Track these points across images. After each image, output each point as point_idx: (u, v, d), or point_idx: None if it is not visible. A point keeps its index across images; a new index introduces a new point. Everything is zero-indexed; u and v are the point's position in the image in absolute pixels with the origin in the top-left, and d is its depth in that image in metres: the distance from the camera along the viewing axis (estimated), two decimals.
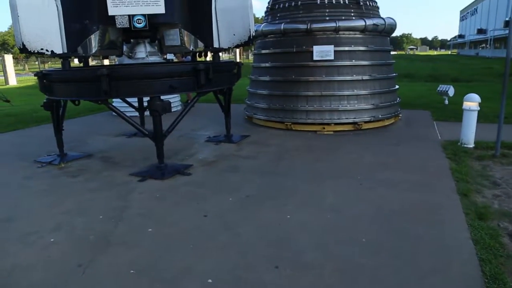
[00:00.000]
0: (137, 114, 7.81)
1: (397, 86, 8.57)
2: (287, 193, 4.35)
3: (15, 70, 28.51)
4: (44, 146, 6.85)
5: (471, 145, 6.23)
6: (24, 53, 5.49)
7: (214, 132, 7.69)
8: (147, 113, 6.02)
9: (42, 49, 5.26)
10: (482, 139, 6.32)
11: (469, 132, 6.24)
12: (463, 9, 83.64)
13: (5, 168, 5.71)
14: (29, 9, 5.06)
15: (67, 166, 5.75)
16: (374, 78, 7.73)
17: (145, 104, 6.78)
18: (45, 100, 6.03)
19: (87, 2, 5.55)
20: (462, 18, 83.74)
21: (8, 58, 25.93)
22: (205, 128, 8.22)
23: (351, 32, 7.57)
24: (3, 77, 25.71)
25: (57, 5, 5.34)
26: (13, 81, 25.17)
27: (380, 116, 7.77)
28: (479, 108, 6.30)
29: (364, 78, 7.59)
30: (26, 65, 49.14)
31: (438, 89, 11.14)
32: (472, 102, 6.24)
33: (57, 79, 5.47)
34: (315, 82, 7.51)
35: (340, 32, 7.48)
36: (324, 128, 7.52)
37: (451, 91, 10.70)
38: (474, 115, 6.22)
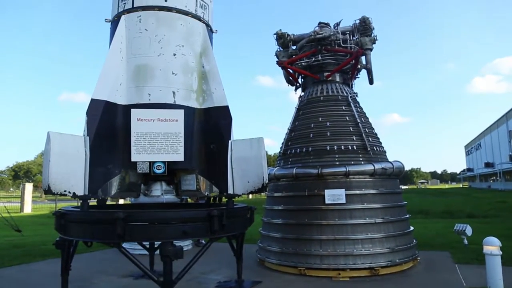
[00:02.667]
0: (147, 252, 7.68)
1: (412, 228, 8.45)
2: None
3: (32, 197, 29.32)
4: (45, 286, 6.61)
5: None
6: (48, 194, 5.71)
7: (225, 277, 7.40)
8: (157, 251, 5.92)
9: (65, 191, 5.45)
10: None
11: (496, 278, 5.87)
12: (467, 145, 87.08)
13: None
14: (60, 155, 5.39)
15: None
16: (387, 220, 7.69)
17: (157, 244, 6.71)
18: (57, 239, 6.03)
19: (113, 149, 5.98)
20: (467, 153, 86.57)
21: (29, 187, 26.97)
22: (215, 272, 7.93)
23: (361, 176, 7.83)
24: (19, 204, 26.31)
25: (86, 152, 5.71)
26: (28, 209, 25.69)
27: (397, 260, 7.49)
28: (501, 253, 6.04)
29: (377, 221, 7.56)
30: (44, 194, 50.70)
31: (455, 228, 10.91)
32: (492, 246, 6.02)
33: (74, 220, 5.55)
34: (328, 225, 7.49)
35: (350, 176, 7.75)
36: (339, 274, 7.20)
37: (469, 231, 10.45)
38: (498, 260, 5.93)
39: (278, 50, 9.95)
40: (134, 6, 6.30)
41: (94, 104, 5.80)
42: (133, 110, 5.80)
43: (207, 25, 6.65)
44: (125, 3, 6.43)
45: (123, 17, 6.31)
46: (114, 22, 6.51)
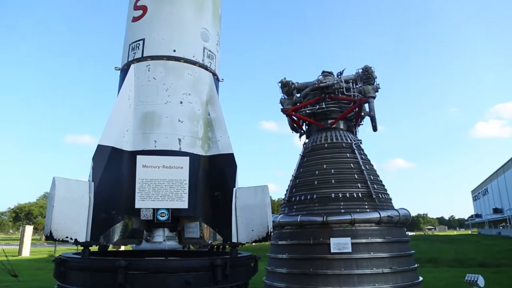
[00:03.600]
0: None
1: (421, 278, 8.18)
2: None
3: (32, 240, 28.90)
4: None
5: None
6: (49, 240, 5.63)
7: None
8: None
9: (67, 237, 5.37)
10: None
11: None
12: (474, 190, 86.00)
13: None
14: (65, 201, 5.37)
15: None
16: (395, 270, 7.47)
17: None
18: (55, 287, 5.87)
19: (117, 195, 5.96)
20: (475, 198, 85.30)
21: (29, 229, 26.66)
22: None
23: (367, 224, 7.70)
24: (18, 247, 25.89)
25: (90, 197, 5.69)
26: (26, 252, 25.24)
27: None
28: None
29: (384, 271, 7.35)
30: (43, 236, 50.01)
31: (466, 278, 10.50)
32: None
33: (75, 267, 5.43)
34: (333, 275, 7.28)
35: (356, 224, 7.63)
36: None
37: (481, 281, 10.04)
38: None
39: (283, 98, 10.17)
40: (144, 55, 6.53)
41: (101, 150, 5.86)
42: (138, 157, 5.85)
43: (214, 74, 6.85)
44: (135, 53, 6.67)
45: (132, 65, 6.53)
46: (124, 70, 6.72)
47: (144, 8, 6.82)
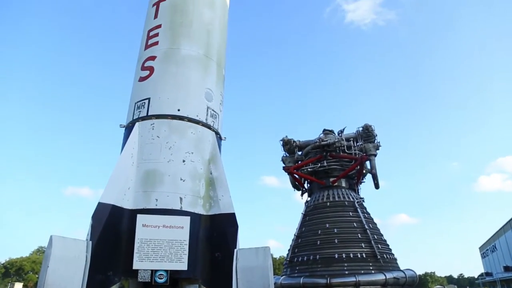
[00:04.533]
0: None
1: None
2: None
3: None
4: None
5: None
6: None
7: None
8: None
9: None
10: None
11: None
12: (481, 246, 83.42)
13: None
14: (60, 260, 5.21)
15: None
16: None
17: None
18: None
19: (114, 254, 5.80)
20: (483, 255, 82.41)
21: (18, 287, 25.65)
22: None
23: (372, 287, 7.41)
24: None
25: (87, 256, 5.53)
26: None
27: None
28: None
29: None
30: None
31: None
32: None
33: None
34: None
35: (361, 287, 7.33)
36: None
37: None
38: None
39: (284, 155, 10.26)
40: (149, 114, 6.66)
41: (101, 208, 5.80)
42: (139, 216, 5.77)
43: (217, 133, 6.96)
44: (140, 111, 6.81)
45: (137, 124, 6.64)
46: (128, 128, 6.83)
47: (151, 69, 7.09)
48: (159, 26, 7.46)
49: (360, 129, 10.03)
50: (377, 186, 10.05)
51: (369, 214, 9.05)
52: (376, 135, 10.05)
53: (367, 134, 9.94)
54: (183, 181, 6.12)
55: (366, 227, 8.23)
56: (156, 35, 7.39)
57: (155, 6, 7.80)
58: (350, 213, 8.59)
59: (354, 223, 8.39)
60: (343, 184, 9.41)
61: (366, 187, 11.00)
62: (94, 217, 5.71)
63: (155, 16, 7.66)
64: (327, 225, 8.39)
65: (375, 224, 8.90)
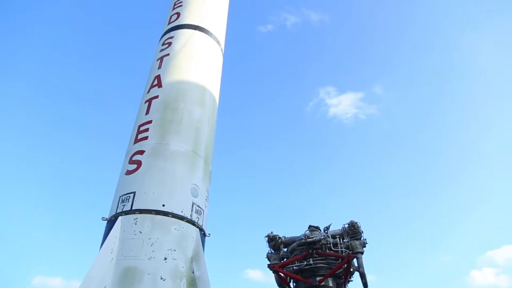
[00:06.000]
0: None
1: None
2: None
3: None
4: None
5: None
6: None
7: None
8: None
9: None
10: None
11: None
12: None
13: None
14: None
15: None
16: None
17: None
18: None
19: None
20: None
21: None
22: None
23: None
24: None
25: None
26: None
27: None
28: None
29: None
30: None
31: None
32: None
33: None
34: None
35: None
36: None
37: None
38: None
39: (269, 252, 9.98)
40: (133, 208, 6.56)
41: None
42: None
43: (201, 230, 6.83)
44: (124, 205, 6.72)
45: (120, 218, 6.51)
46: (111, 222, 6.67)
47: (139, 163, 7.16)
48: (149, 122, 7.72)
49: (346, 226, 9.97)
50: (365, 285, 9.65)
51: None
52: (362, 232, 9.97)
53: (353, 231, 9.86)
54: (163, 280, 5.82)
55: None
56: (146, 130, 7.62)
57: (147, 103, 8.17)
58: None
59: None
60: (330, 284, 9.04)
61: (354, 286, 10.56)
62: None
63: (147, 112, 7.97)
64: None
65: None
